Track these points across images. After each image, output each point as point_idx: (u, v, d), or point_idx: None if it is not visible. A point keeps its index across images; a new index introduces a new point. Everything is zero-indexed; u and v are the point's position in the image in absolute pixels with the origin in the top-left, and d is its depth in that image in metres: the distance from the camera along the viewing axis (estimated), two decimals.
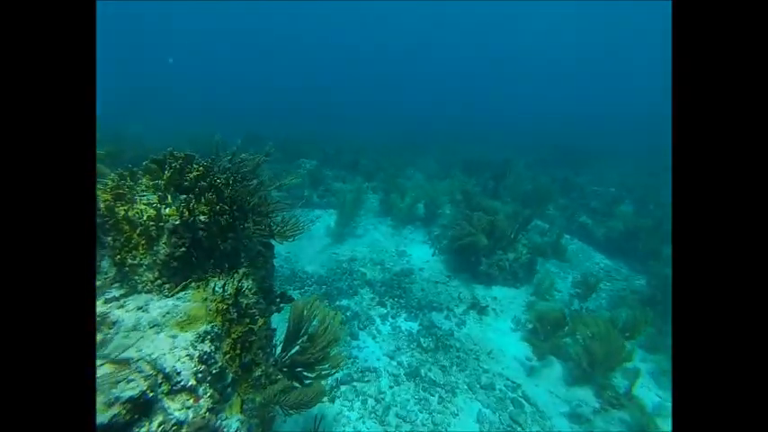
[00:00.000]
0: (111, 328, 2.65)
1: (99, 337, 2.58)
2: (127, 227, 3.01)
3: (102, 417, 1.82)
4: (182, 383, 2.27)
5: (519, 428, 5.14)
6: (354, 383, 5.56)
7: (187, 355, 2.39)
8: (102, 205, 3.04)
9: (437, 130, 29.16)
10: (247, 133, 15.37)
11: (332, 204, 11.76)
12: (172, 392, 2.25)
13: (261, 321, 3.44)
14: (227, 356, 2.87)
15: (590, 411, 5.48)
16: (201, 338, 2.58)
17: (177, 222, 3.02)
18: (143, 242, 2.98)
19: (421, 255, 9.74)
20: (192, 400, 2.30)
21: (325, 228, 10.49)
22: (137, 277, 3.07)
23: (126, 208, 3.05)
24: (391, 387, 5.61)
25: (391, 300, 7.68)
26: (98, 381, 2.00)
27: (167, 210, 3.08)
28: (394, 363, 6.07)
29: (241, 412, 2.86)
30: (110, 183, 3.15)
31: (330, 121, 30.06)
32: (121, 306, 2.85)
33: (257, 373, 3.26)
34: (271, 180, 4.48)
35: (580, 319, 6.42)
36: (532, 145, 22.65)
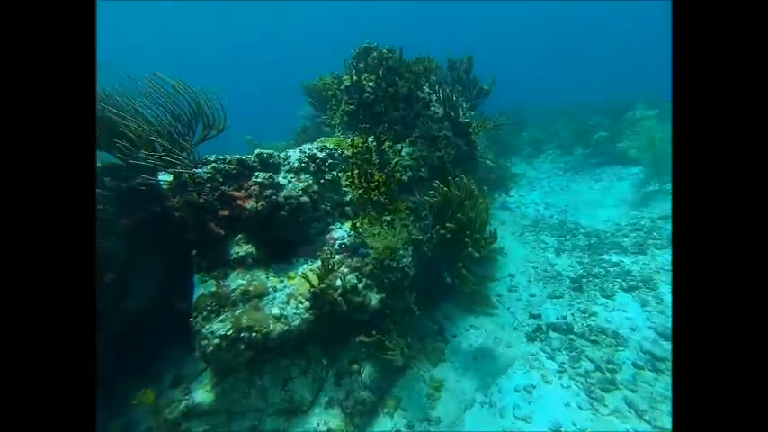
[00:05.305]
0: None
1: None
2: (331, 98, 4.25)
3: (249, 156, 2.93)
4: (290, 165, 3.05)
5: None
6: (572, 336, 3.95)
7: (300, 152, 3.13)
8: (329, 87, 4.50)
9: None
10: None
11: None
12: (289, 170, 3.07)
13: (398, 177, 3.54)
14: (349, 180, 3.31)
15: None
16: (319, 149, 3.22)
17: (348, 84, 3.85)
18: (334, 105, 4.09)
19: None
20: (295, 179, 3.00)
21: (633, 186, 7.77)
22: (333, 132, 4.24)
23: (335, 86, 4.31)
24: (635, 366, 3.44)
25: None
26: (264, 154, 3.16)
27: (345, 76, 4.01)
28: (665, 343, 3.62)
29: (352, 230, 3.20)
30: (328, 76, 4.60)
31: None
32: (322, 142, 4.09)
33: (387, 217, 3.41)
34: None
35: None
36: None
